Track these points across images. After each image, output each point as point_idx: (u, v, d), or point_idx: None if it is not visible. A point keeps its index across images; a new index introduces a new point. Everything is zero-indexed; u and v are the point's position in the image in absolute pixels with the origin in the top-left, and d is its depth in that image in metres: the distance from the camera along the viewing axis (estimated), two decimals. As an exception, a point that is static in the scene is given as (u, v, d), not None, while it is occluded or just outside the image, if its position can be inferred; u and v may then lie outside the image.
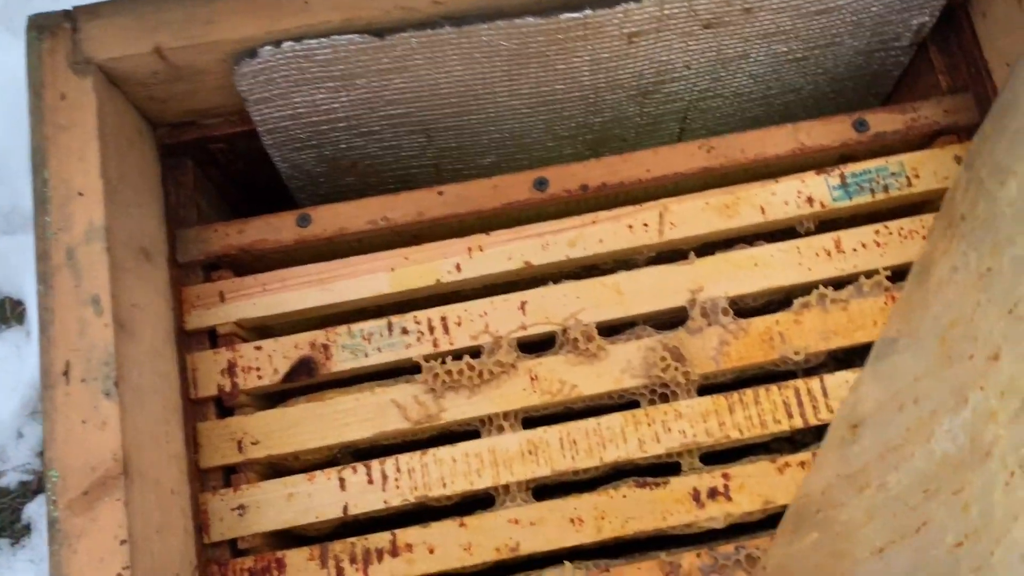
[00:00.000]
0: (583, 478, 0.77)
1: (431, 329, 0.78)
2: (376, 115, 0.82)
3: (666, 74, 0.83)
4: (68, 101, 0.70)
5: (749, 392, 0.76)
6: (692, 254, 0.80)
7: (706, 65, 0.84)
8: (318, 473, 0.76)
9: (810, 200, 0.80)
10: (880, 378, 0.49)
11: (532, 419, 0.78)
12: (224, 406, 0.78)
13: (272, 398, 0.80)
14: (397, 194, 0.81)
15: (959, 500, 0.42)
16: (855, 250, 0.79)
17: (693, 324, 0.78)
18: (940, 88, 0.86)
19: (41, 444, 0.95)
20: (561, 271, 0.81)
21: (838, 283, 0.79)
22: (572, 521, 0.74)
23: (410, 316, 0.78)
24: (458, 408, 0.77)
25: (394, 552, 0.74)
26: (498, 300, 0.79)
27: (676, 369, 0.76)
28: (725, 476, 0.75)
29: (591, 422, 0.76)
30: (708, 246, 0.81)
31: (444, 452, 0.76)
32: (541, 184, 0.81)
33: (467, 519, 0.74)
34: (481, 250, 0.80)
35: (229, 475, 0.77)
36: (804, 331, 0.77)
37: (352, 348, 0.78)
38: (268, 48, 0.73)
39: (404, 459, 0.76)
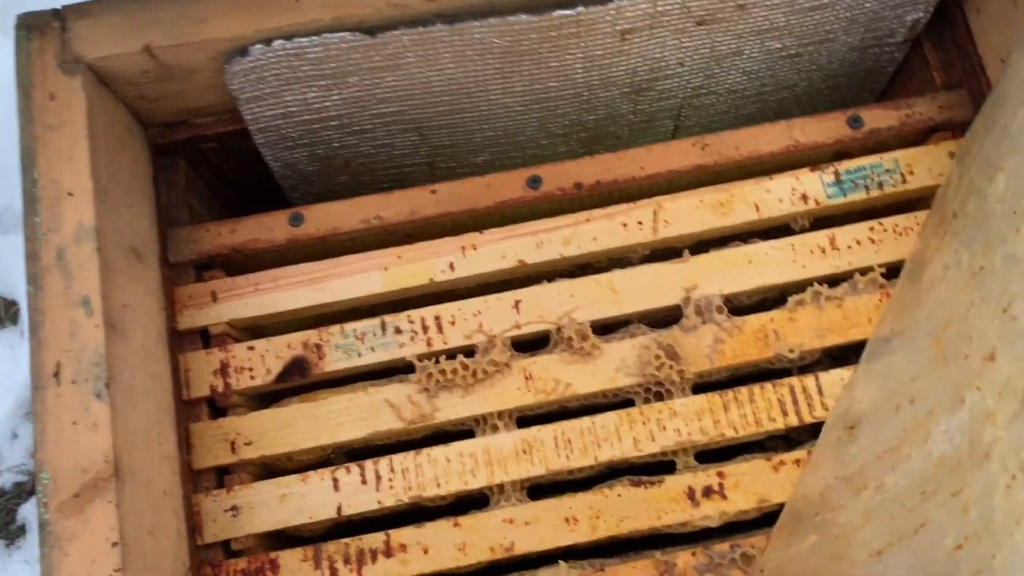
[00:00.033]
0: (578, 477, 0.77)
1: (424, 328, 0.78)
2: (368, 113, 0.81)
3: (660, 71, 0.83)
4: (57, 101, 0.70)
5: (744, 390, 0.76)
6: (686, 252, 0.79)
7: (700, 62, 0.83)
8: (311, 473, 0.75)
9: (804, 197, 0.80)
10: (875, 378, 0.49)
11: (526, 418, 0.78)
12: (217, 406, 0.78)
13: (265, 398, 0.80)
14: (390, 193, 0.81)
15: (958, 502, 0.42)
16: (850, 247, 0.79)
17: (687, 322, 0.77)
18: (934, 84, 0.85)
19: (34, 445, 0.94)
20: (555, 269, 0.81)
21: (833, 280, 0.78)
22: (567, 520, 0.74)
23: (403, 315, 0.78)
24: (452, 408, 0.76)
25: (388, 552, 0.74)
26: (492, 299, 0.78)
27: (671, 367, 0.76)
28: (720, 474, 0.75)
29: (586, 421, 0.76)
30: (702, 244, 0.81)
31: (438, 452, 0.76)
32: (535, 182, 0.81)
33: (461, 519, 0.74)
34: (475, 249, 0.79)
35: (222, 476, 0.77)
36: (799, 328, 0.77)
37: (345, 348, 0.77)
38: (259, 47, 0.72)
39: (398, 459, 0.76)
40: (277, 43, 0.72)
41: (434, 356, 0.77)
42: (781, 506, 0.73)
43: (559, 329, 0.78)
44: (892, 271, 0.77)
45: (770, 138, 0.82)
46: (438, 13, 0.73)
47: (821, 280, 0.78)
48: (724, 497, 0.74)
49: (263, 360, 0.77)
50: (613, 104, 0.86)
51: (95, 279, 0.66)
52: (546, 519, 0.74)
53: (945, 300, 0.44)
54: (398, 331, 0.78)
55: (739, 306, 0.81)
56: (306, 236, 0.80)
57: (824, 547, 0.49)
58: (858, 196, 0.80)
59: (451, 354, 0.77)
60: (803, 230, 0.81)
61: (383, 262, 0.79)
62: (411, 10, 0.73)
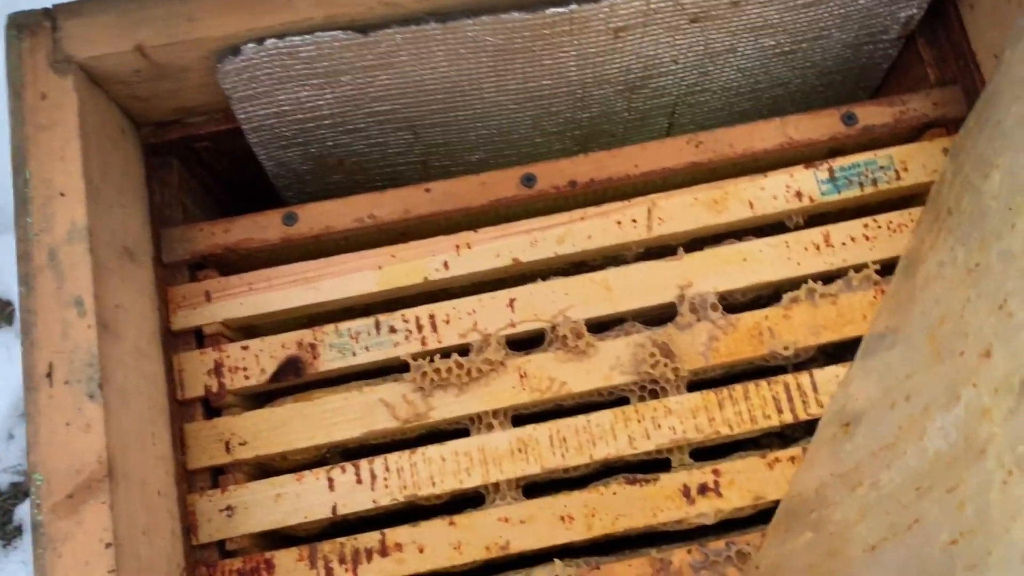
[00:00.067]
0: (573, 476, 0.77)
1: (419, 327, 0.78)
2: (362, 112, 0.81)
3: (653, 69, 0.83)
4: (49, 100, 0.69)
5: (739, 388, 0.76)
6: (681, 250, 0.79)
7: (693, 60, 0.83)
8: (306, 473, 0.75)
9: (799, 194, 0.80)
10: (870, 375, 0.49)
11: (521, 417, 0.78)
12: (211, 407, 0.78)
13: (259, 398, 0.80)
14: (384, 191, 0.81)
15: (953, 498, 0.42)
16: (844, 244, 0.79)
17: (682, 320, 0.77)
18: (929, 81, 0.85)
19: (29, 446, 0.94)
20: (550, 268, 0.81)
21: (827, 277, 0.78)
22: (562, 519, 0.74)
23: (398, 314, 0.78)
24: (447, 407, 0.76)
25: (383, 552, 0.74)
26: (486, 298, 0.78)
27: (665, 365, 0.76)
28: (715, 472, 0.75)
29: (581, 419, 0.76)
30: (697, 241, 0.81)
31: (433, 451, 0.75)
32: (529, 180, 0.81)
33: (457, 518, 0.74)
34: (469, 247, 0.79)
35: (217, 476, 0.76)
36: (793, 326, 0.77)
37: (339, 347, 0.77)
38: (251, 45, 0.72)
39: (393, 458, 0.75)
40: (269, 42, 0.72)
41: (429, 355, 0.77)
42: (776, 503, 0.73)
43: (554, 327, 0.78)
44: (887, 268, 0.77)
45: (764, 135, 0.82)
46: (431, 11, 0.73)
47: (816, 277, 0.78)
48: (719, 495, 0.74)
49: (257, 360, 0.77)
50: (607, 102, 0.86)
51: (87, 279, 0.66)
52: (541, 517, 0.74)
53: (940, 297, 0.44)
54: (392, 330, 0.78)
55: (734, 303, 0.81)
56: (300, 235, 0.80)
57: (819, 544, 0.49)
58: (852, 193, 0.80)
59: (446, 353, 0.77)
60: (797, 227, 0.81)
61: (377, 261, 0.79)
62: (403, 8, 0.72)
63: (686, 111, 0.91)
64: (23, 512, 1.23)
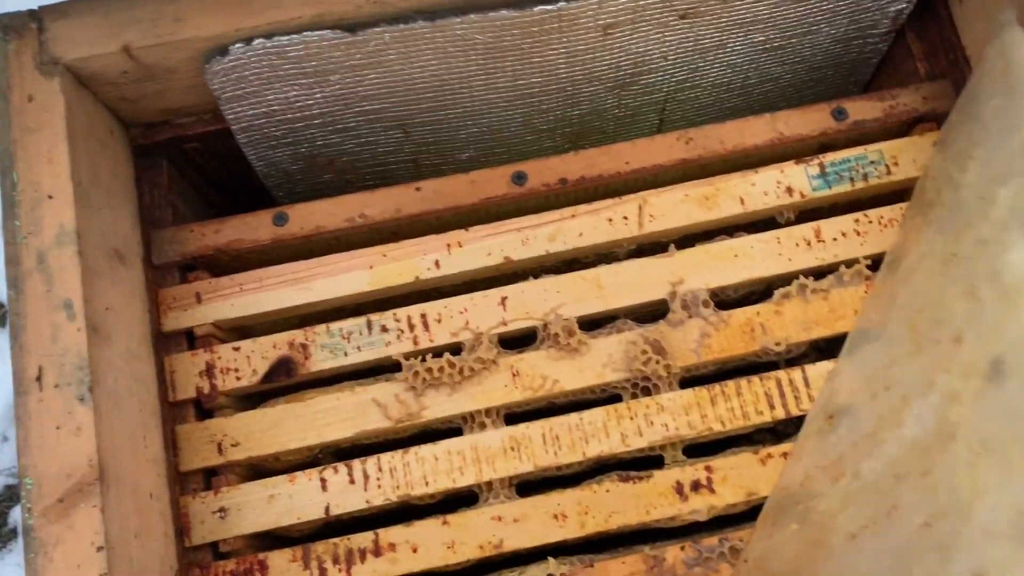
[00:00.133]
0: (566, 473, 0.77)
1: (411, 327, 0.78)
2: (351, 111, 0.81)
3: (643, 65, 0.83)
4: (36, 103, 0.69)
5: (731, 384, 0.76)
6: (672, 246, 0.79)
7: (683, 56, 0.83)
8: (299, 474, 0.75)
9: (789, 190, 0.80)
10: (854, 368, 0.49)
11: (514, 415, 0.78)
12: (203, 408, 0.77)
13: (252, 399, 0.80)
14: (374, 191, 0.80)
15: (927, 482, 0.43)
16: (835, 239, 0.79)
17: (674, 317, 0.77)
18: (919, 75, 0.85)
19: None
20: (541, 266, 0.81)
21: (818, 273, 0.78)
22: (555, 517, 0.74)
23: (389, 314, 0.78)
24: (439, 406, 0.76)
25: (377, 552, 0.73)
26: (478, 296, 0.78)
27: (657, 362, 0.76)
28: (708, 468, 0.75)
29: (573, 417, 0.76)
30: (688, 238, 0.81)
31: (426, 450, 0.75)
32: (519, 178, 0.80)
33: (450, 517, 0.74)
34: (460, 246, 0.79)
35: (209, 478, 0.76)
36: (785, 322, 0.77)
37: (331, 347, 0.77)
38: (239, 46, 0.72)
39: (386, 458, 0.75)
40: (257, 42, 0.72)
41: (421, 354, 0.77)
42: (769, 499, 0.73)
43: (546, 325, 0.77)
44: (877, 263, 0.77)
45: (754, 131, 0.82)
46: (419, 10, 0.73)
47: (807, 273, 0.78)
48: (712, 491, 0.74)
49: (249, 361, 0.77)
50: (597, 99, 0.86)
51: (77, 282, 0.66)
52: (535, 516, 0.74)
53: (920, 288, 0.45)
54: (384, 330, 0.78)
55: (725, 300, 0.81)
56: (290, 235, 0.80)
57: (804, 534, 0.50)
58: (843, 188, 0.80)
59: (438, 352, 0.77)
60: (788, 223, 0.81)
61: (368, 260, 0.79)
62: (392, 7, 0.72)
63: (676, 108, 0.90)
64: (18, 515, 1.23)
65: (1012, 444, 0.39)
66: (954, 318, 0.42)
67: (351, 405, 0.76)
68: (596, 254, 0.81)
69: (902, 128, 0.83)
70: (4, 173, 0.67)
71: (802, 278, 0.78)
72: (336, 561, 0.73)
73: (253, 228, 0.80)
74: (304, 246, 0.81)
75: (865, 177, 0.80)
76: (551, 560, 0.73)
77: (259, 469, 0.79)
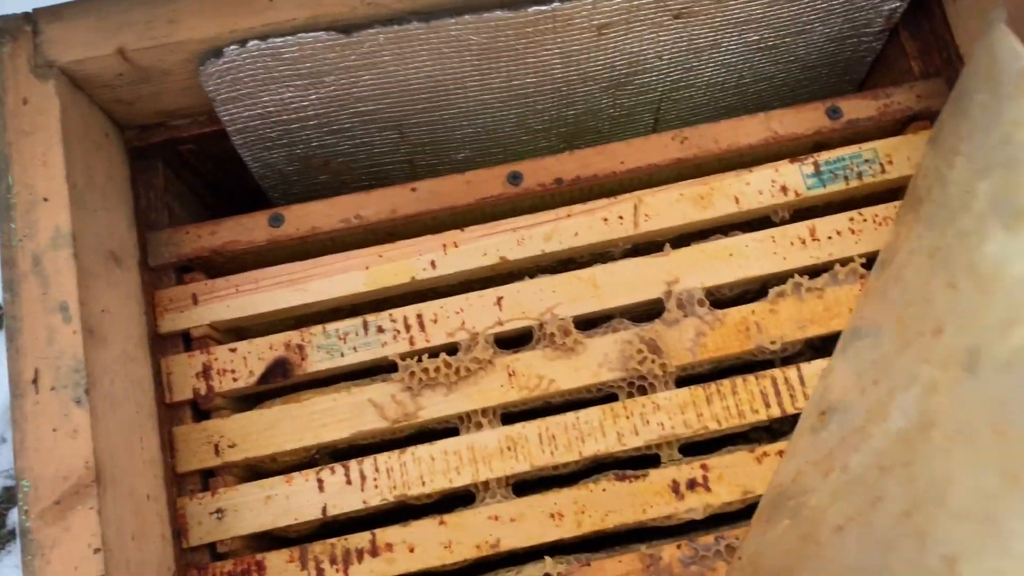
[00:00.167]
0: (563, 473, 0.77)
1: (407, 327, 0.78)
2: (346, 112, 0.81)
3: (638, 65, 0.83)
4: (31, 105, 0.69)
5: (726, 383, 0.76)
6: (667, 246, 0.79)
7: (678, 56, 0.83)
8: (296, 475, 0.75)
9: (784, 189, 0.80)
10: (846, 365, 0.50)
11: (511, 415, 0.78)
12: (200, 409, 0.78)
13: (248, 400, 0.80)
14: (370, 192, 0.80)
15: (909, 472, 0.43)
16: (830, 238, 0.79)
17: (669, 316, 0.78)
18: (913, 74, 0.86)
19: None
20: (537, 266, 0.81)
21: (813, 271, 0.79)
22: (552, 516, 0.74)
23: (386, 314, 0.78)
24: (436, 406, 0.76)
25: (374, 552, 0.74)
26: (474, 296, 0.78)
27: (653, 361, 0.76)
28: (704, 467, 0.75)
29: (569, 416, 0.76)
30: (683, 237, 0.81)
31: (423, 450, 0.76)
32: (515, 178, 0.81)
33: (447, 517, 0.74)
34: (456, 246, 0.79)
35: (207, 479, 0.76)
36: (780, 320, 0.77)
37: (327, 348, 0.77)
38: (233, 47, 0.72)
39: (382, 458, 0.76)
40: (252, 44, 0.72)
41: (417, 355, 0.77)
42: (765, 497, 0.73)
43: (541, 325, 0.78)
44: (872, 261, 0.77)
45: (749, 130, 0.82)
46: (413, 11, 0.73)
47: (802, 271, 0.78)
48: (708, 489, 0.74)
49: (245, 362, 0.77)
50: (592, 99, 0.86)
51: (72, 285, 0.66)
52: (531, 515, 0.74)
53: (909, 283, 0.46)
54: (380, 330, 0.78)
55: (721, 299, 0.81)
56: (286, 237, 0.80)
57: (794, 530, 0.50)
58: (838, 187, 0.80)
59: (434, 352, 0.77)
60: (783, 222, 0.81)
61: (364, 261, 0.79)
62: (386, 8, 0.72)
63: (671, 107, 0.91)
64: (17, 517, 1.23)
65: (982, 430, 0.40)
66: (936, 310, 0.43)
67: (347, 406, 0.76)
68: (591, 254, 0.81)
69: (896, 127, 0.84)
70: (-1, 176, 0.67)
71: (797, 277, 0.78)
72: (333, 561, 0.73)
73: (249, 229, 0.80)
74: (300, 247, 0.81)
75: (859, 176, 0.80)
76: (548, 559, 0.73)
77: (256, 470, 0.79)
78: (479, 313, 0.78)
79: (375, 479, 0.75)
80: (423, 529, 0.74)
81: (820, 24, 0.84)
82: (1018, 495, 0.39)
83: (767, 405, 0.75)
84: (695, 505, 0.74)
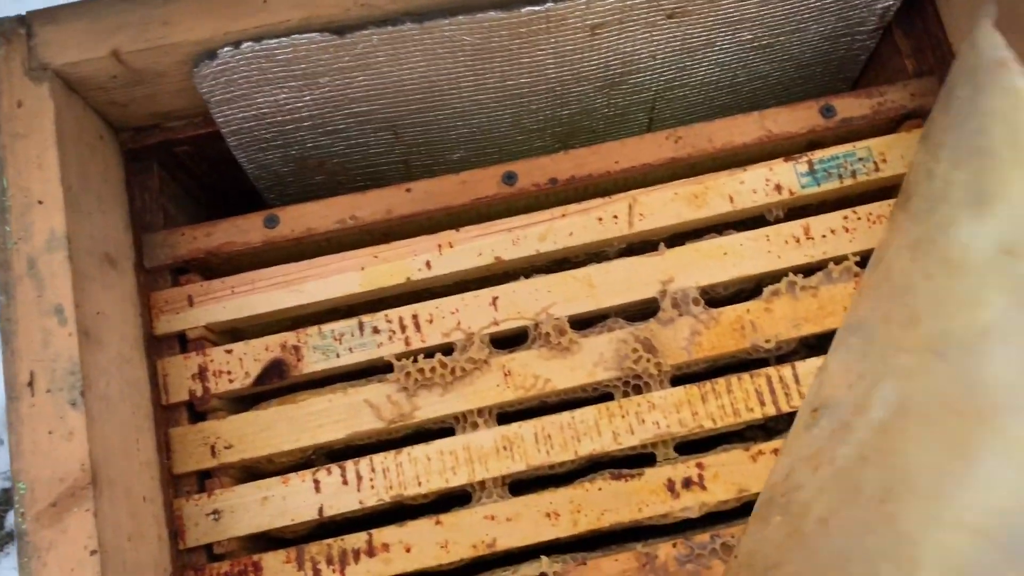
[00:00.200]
0: (559, 472, 0.77)
1: (403, 328, 0.78)
2: (341, 113, 0.81)
3: (632, 65, 0.83)
4: (25, 108, 0.69)
5: (721, 381, 0.76)
6: (662, 245, 0.80)
7: (671, 55, 0.83)
8: (292, 475, 0.76)
9: (778, 188, 0.80)
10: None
11: (506, 415, 0.78)
12: (196, 411, 0.78)
13: (244, 401, 0.80)
14: (365, 192, 0.81)
15: (886, 460, 0.44)
16: (824, 236, 0.79)
17: (664, 315, 0.78)
18: (907, 72, 0.86)
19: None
20: (532, 265, 0.81)
21: (807, 270, 0.79)
22: (548, 515, 0.74)
23: (381, 315, 0.78)
24: (432, 406, 0.76)
25: (371, 552, 0.74)
26: (469, 296, 0.78)
27: (648, 360, 0.76)
28: (699, 466, 0.75)
29: (565, 416, 0.76)
30: (678, 236, 0.81)
31: (419, 451, 0.76)
32: (510, 178, 0.81)
33: (443, 517, 0.74)
34: (451, 246, 0.79)
35: (203, 480, 0.77)
36: (775, 319, 0.77)
37: (323, 349, 0.77)
38: (227, 49, 0.72)
39: (379, 459, 0.76)
40: (246, 45, 0.72)
41: (412, 355, 0.77)
42: (759, 495, 0.73)
43: (537, 325, 0.78)
44: (866, 259, 0.77)
45: (743, 129, 0.82)
46: (407, 12, 0.73)
47: (796, 270, 0.79)
48: (704, 488, 0.74)
49: (241, 363, 0.77)
50: (587, 99, 0.86)
51: (67, 288, 0.66)
52: (527, 515, 0.74)
53: (894, 278, 0.46)
54: (376, 331, 0.78)
55: (715, 298, 0.82)
56: (282, 238, 0.80)
57: (785, 525, 0.51)
58: (832, 185, 0.81)
59: (429, 353, 0.77)
60: (778, 220, 0.81)
61: (360, 262, 0.79)
62: (379, 9, 0.72)
63: (666, 106, 0.91)
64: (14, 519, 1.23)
65: (946, 412, 0.41)
66: (914, 300, 0.44)
67: (343, 406, 0.76)
68: (586, 253, 0.82)
69: (890, 125, 0.84)
70: (-6, 179, 0.68)
71: (791, 275, 0.78)
72: (330, 562, 0.74)
73: (244, 231, 0.80)
74: (295, 248, 0.81)
75: (853, 174, 0.81)
76: (544, 559, 0.74)
77: (252, 471, 0.79)
78: (474, 313, 0.78)
79: (371, 479, 0.75)
80: (419, 529, 0.74)
81: (814, 23, 0.84)
82: (970, 470, 0.40)
83: (762, 403, 0.76)
84: (691, 504, 0.74)
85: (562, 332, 0.77)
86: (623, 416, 0.76)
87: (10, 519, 1.24)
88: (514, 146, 0.91)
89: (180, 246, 0.80)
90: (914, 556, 0.42)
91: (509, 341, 0.79)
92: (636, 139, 0.81)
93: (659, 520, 0.75)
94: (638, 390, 0.77)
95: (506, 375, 0.77)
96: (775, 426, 0.81)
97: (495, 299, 0.78)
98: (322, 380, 0.78)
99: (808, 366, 0.76)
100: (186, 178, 0.89)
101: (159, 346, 0.78)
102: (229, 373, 0.77)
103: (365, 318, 0.78)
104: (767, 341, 0.77)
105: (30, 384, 0.64)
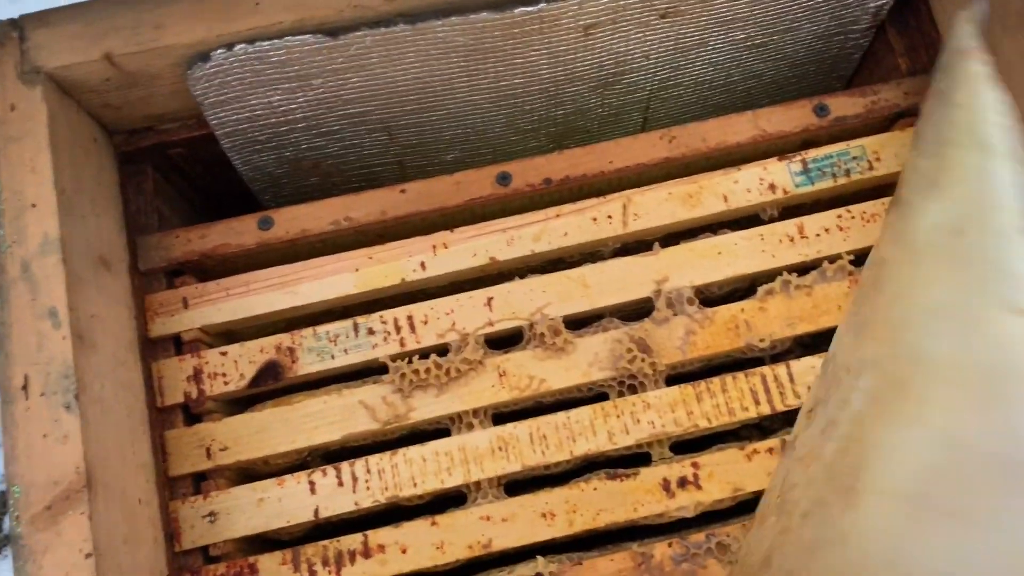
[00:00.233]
0: (554, 472, 0.77)
1: (397, 329, 0.78)
2: (335, 115, 0.81)
3: (625, 65, 0.83)
4: (18, 112, 0.69)
5: (716, 381, 0.77)
6: (656, 245, 0.80)
7: (665, 55, 0.83)
8: (288, 477, 0.76)
9: (772, 187, 0.80)
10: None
11: (502, 415, 0.78)
12: (191, 413, 0.78)
13: (240, 403, 0.80)
14: (359, 193, 0.81)
15: (860, 448, 0.45)
16: (818, 235, 0.79)
17: (659, 315, 0.78)
18: (900, 70, 0.86)
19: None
20: (526, 266, 0.81)
21: (802, 269, 0.79)
22: (544, 516, 0.74)
23: (376, 316, 0.78)
24: (427, 407, 0.76)
25: (366, 553, 0.74)
26: (464, 297, 0.79)
27: (643, 360, 0.77)
28: (695, 465, 0.75)
29: (560, 416, 0.76)
30: (672, 236, 0.81)
31: (414, 452, 0.76)
32: (504, 179, 0.81)
33: (439, 518, 0.75)
34: (446, 247, 0.79)
35: (199, 482, 0.77)
36: (769, 318, 0.78)
37: (318, 350, 0.78)
38: (220, 51, 0.72)
39: (374, 460, 0.76)
40: (239, 47, 0.72)
41: (407, 356, 0.77)
42: (755, 494, 0.73)
43: (532, 325, 0.78)
44: (861, 258, 0.78)
45: (737, 129, 0.82)
46: (400, 13, 0.73)
47: (790, 269, 0.79)
48: (699, 487, 0.74)
49: (236, 365, 0.77)
50: (581, 99, 0.86)
51: (61, 291, 0.66)
52: (523, 515, 0.74)
53: (881, 274, 0.47)
54: (371, 332, 0.78)
55: (710, 297, 0.82)
56: (276, 239, 0.80)
57: (778, 524, 0.51)
58: (826, 184, 0.81)
59: (424, 353, 0.77)
60: (772, 220, 0.81)
61: (354, 263, 0.79)
62: (372, 11, 0.72)
63: (660, 106, 0.91)
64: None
65: (898, 393, 0.42)
66: (889, 291, 0.45)
67: (339, 408, 0.76)
68: (581, 253, 0.82)
69: (884, 124, 0.84)
70: (-13, 182, 0.68)
71: (786, 274, 0.78)
72: (326, 563, 0.74)
73: (239, 233, 0.80)
74: (290, 250, 0.81)
75: (847, 173, 0.81)
76: (540, 559, 0.74)
77: (248, 473, 0.79)
78: (469, 314, 0.78)
79: (367, 481, 0.75)
80: (415, 530, 0.74)
81: (807, 22, 0.84)
82: (898, 441, 0.41)
83: (757, 403, 0.76)
84: (686, 503, 0.74)
85: (557, 332, 0.77)
86: (618, 416, 0.76)
87: (5, 523, 1.24)
88: (508, 146, 0.91)
89: (175, 248, 0.80)
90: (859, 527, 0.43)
91: (504, 342, 0.79)
92: (630, 139, 0.81)
93: (655, 520, 0.75)
94: (633, 390, 0.77)
95: (501, 376, 0.77)
96: (770, 425, 0.81)
97: (490, 300, 0.78)
98: (317, 382, 0.78)
99: (803, 365, 0.76)
100: (180, 180, 0.89)
101: (154, 348, 0.78)
102: (224, 375, 0.77)
103: (360, 319, 0.78)
104: (762, 340, 0.77)
105: (24, 387, 0.64)
